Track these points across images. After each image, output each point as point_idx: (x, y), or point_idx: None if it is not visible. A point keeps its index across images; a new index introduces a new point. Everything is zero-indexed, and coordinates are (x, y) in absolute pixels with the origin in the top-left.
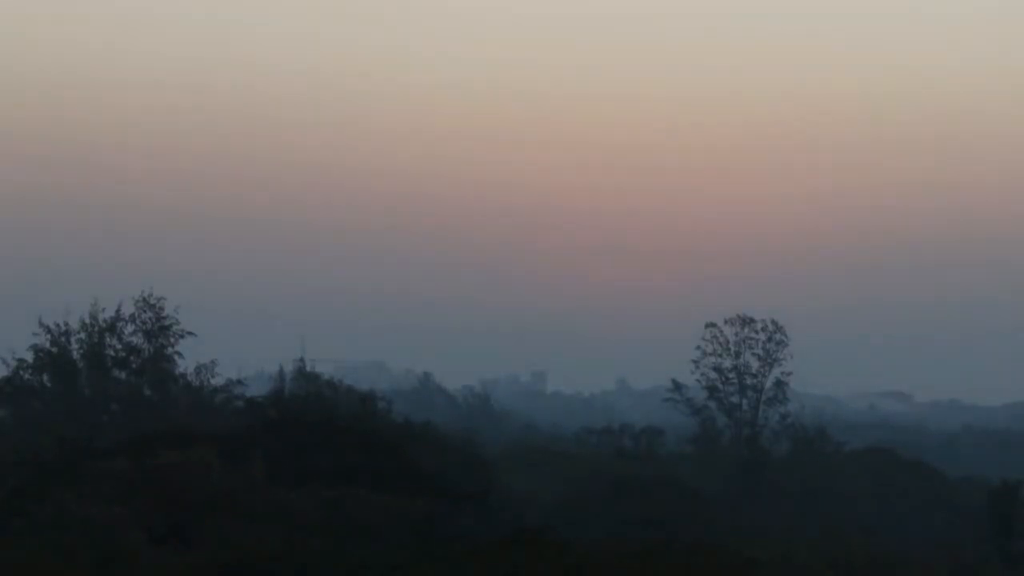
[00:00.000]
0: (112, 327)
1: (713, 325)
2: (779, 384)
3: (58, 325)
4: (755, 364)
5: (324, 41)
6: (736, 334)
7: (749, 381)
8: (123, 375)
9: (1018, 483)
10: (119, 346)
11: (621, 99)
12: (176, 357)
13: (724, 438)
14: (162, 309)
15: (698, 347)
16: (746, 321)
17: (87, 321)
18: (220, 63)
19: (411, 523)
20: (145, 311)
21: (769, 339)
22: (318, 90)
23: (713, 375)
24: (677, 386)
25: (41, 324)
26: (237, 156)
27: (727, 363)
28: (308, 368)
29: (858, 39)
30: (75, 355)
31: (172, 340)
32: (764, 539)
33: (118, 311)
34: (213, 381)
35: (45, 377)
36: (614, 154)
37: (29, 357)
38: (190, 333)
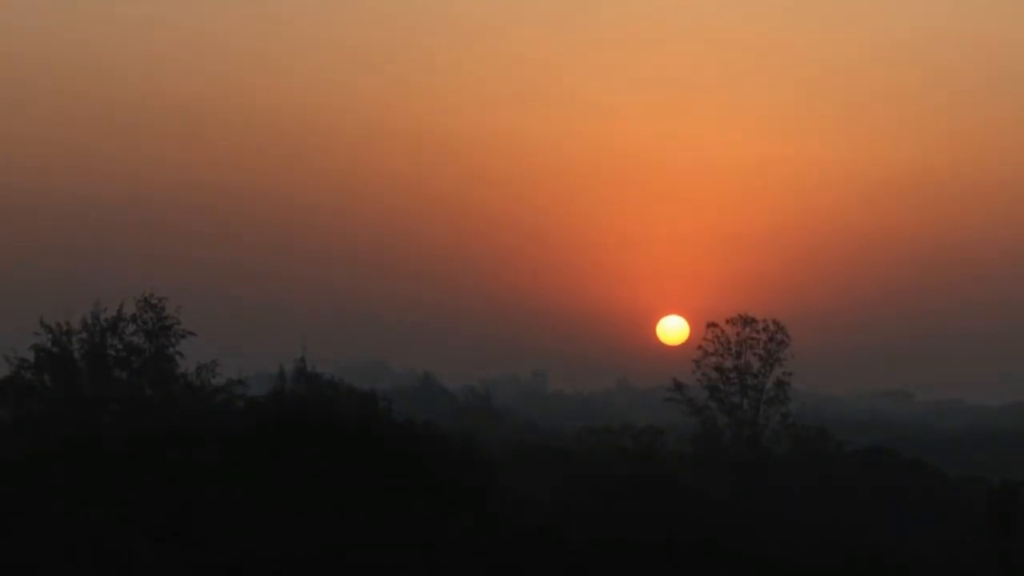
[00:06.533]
0: (113, 327)
1: (714, 325)
2: (780, 384)
3: (59, 325)
4: (756, 364)
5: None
6: (737, 334)
7: (750, 381)
8: (124, 375)
9: (1018, 483)
10: (120, 346)
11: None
12: (177, 357)
13: (725, 438)
14: (163, 309)
15: (700, 347)
16: (747, 321)
17: (88, 321)
18: (223, 64)
19: (411, 523)
20: (146, 311)
21: (770, 339)
22: (321, 96)
23: (714, 375)
24: (678, 386)
25: (42, 324)
26: (240, 156)
27: (728, 363)
28: (309, 368)
29: None
30: (76, 355)
31: (173, 340)
32: (764, 539)
33: (119, 311)
34: (214, 381)
35: (46, 377)
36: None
37: (30, 357)
38: (191, 333)
